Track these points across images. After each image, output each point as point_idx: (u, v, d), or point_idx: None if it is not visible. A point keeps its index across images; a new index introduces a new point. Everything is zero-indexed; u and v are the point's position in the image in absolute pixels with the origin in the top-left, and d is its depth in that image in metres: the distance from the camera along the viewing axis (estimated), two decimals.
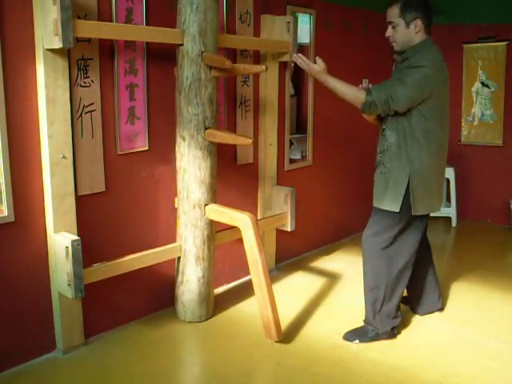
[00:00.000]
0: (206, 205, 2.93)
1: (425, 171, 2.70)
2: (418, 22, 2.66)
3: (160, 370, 2.57)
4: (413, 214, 2.71)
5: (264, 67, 2.87)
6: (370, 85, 2.72)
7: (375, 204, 2.83)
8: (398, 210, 2.69)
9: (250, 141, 2.80)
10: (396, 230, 2.77)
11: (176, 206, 3.03)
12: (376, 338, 2.87)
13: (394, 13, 2.68)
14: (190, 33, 2.76)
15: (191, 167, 2.89)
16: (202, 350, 2.86)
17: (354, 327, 2.95)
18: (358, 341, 2.87)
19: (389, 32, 2.73)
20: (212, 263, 3.05)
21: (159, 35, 2.74)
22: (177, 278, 3.06)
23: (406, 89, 2.58)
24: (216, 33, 2.85)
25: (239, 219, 2.80)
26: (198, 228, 2.94)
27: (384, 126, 2.78)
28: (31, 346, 2.59)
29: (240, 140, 2.93)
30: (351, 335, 2.90)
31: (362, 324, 2.94)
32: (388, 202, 2.73)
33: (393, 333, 2.90)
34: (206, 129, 2.86)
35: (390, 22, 2.71)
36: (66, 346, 2.65)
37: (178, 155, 2.94)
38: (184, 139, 2.88)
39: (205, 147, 2.87)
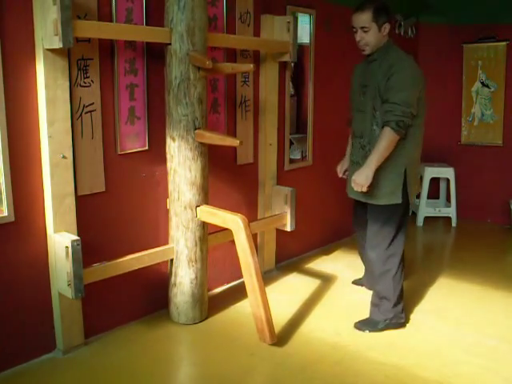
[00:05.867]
0: (197, 206, 2.90)
1: (415, 162, 2.89)
2: (387, 25, 2.82)
3: (159, 371, 2.57)
4: (410, 201, 2.86)
5: (251, 66, 2.85)
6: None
7: (370, 201, 2.87)
8: (400, 201, 2.80)
9: (238, 142, 2.74)
10: (397, 224, 2.88)
11: (168, 207, 3.01)
12: (387, 327, 2.99)
13: (366, 18, 2.77)
14: (178, 32, 2.72)
15: (181, 168, 2.86)
16: (199, 351, 2.84)
17: (365, 317, 3.05)
18: (368, 331, 2.97)
19: (360, 37, 2.82)
20: (205, 265, 3.03)
21: (146, 34, 2.72)
22: (170, 280, 3.04)
23: (409, 92, 2.68)
24: (205, 31, 2.80)
25: (231, 221, 2.77)
26: (190, 230, 2.91)
27: (375, 127, 2.82)
28: (31, 346, 2.59)
29: (228, 141, 2.88)
30: (362, 325, 3.01)
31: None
32: (387, 196, 2.81)
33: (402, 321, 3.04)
34: (196, 129, 2.83)
35: (362, 27, 2.79)
36: (65, 346, 2.65)
37: (168, 156, 2.92)
38: (174, 140, 2.85)
39: (195, 148, 2.84)
